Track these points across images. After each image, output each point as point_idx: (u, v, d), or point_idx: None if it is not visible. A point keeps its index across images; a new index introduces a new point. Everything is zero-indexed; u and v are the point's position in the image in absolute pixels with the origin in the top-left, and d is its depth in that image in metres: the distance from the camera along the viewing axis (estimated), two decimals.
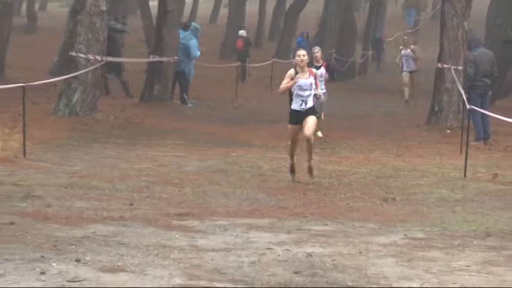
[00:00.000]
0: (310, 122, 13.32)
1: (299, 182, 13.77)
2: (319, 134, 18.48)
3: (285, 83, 13.44)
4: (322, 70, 18.54)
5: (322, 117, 18.61)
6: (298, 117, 13.41)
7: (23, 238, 9.33)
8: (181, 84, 25.06)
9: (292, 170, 13.71)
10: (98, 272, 8.11)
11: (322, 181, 13.29)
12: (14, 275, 7.86)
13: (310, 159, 13.64)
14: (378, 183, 14.08)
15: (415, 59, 28.04)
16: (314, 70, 13.80)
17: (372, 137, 19.89)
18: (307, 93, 13.35)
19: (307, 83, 13.34)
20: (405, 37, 31.46)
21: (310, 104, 13.43)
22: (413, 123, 22.44)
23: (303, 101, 13.36)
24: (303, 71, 13.41)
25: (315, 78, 13.55)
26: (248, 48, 35.18)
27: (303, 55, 13.39)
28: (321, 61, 19.01)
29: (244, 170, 14.89)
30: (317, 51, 19.20)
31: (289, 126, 13.63)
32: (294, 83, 13.25)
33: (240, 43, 35.69)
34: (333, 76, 17.02)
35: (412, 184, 13.92)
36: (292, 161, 13.71)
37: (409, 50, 28.10)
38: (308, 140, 13.38)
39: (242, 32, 36.72)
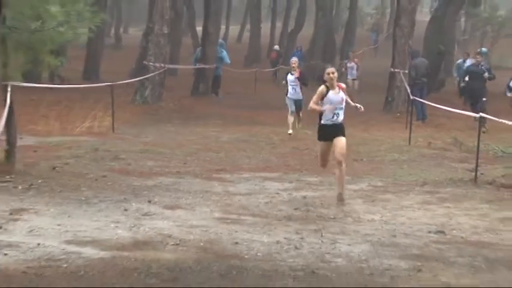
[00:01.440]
0: (341, 143, 9.09)
1: (298, 148, 13.72)
2: (290, 131, 15.18)
3: (314, 102, 9.16)
4: (296, 76, 15.70)
5: (301, 114, 15.76)
6: (328, 132, 9.14)
7: (112, 186, 9.35)
8: (217, 83, 24.98)
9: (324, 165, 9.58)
10: (163, 209, 8.13)
11: (313, 148, 13.21)
12: (106, 211, 7.88)
13: (342, 190, 9.00)
14: (351, 149, 13.92)
15: (357, 69, 27.09)
16: (343, 85, 9.41)
17: (345, 118, 19.73)
18: (339, 107, 9.19)
19: (339, 98, 9.13)
20: (350, 52, 30.57)
21: (341, 117, 9.23)
22: (374, 109, 22.19)
23: (335, 113, 9.13)
24: (333, 87, 9.14)
25: (344, 92, 9.32)
26: (279, 59, 34.60)
27: (332, 72, 9.13)
28: (296, 69, 15.87)
29: (260, 140, 14.85)
30: (294, 61, 16.19)
31: (320, 143, 9.31)
32: (322, 109, 9.13)
33: (274, 54, 35.22)
34: (305, 83, 15.29)
35: (374, 149, 13.85)
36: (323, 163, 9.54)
37: (353, 63, 27.17)
38: (340, 164, 8.99)
39: (276, 47, 36.34)
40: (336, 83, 9.16)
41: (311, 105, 9.20)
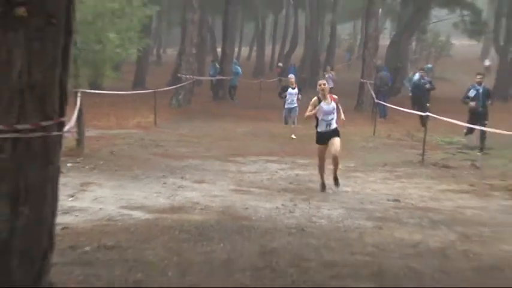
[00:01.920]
0: (336, 142, 7.98)
1: (292, 139, 13.66)
2: (293, 136, 13.84)
3: (309, 110, 8.07)
4: (296, 90, 15.01)
5: (296, 123, 14.62)
6: (324, 137, 8.04)
7: (154, 166, 9.37)
8: (233, 91, 24.91)
9: (323, 187, 8.04)
10: (192, 183, 8.13)
11: (303, 139, 13.18)
12: (150, 184, 7.91)
13: (335, 171, 8.10)
14: None
15: (333, 80, 26.51)
16: (335, 96, 8.22)
17: None
18: (330, 117, 8.02)
19: (330, 108, 8.02)
20: (328, 66, 29.98)
21: (333, 126, 8.07)
22: (347, 110, 21.95)
23: (327, 124, 8.02)
24: (325, 98, 8.03)
25: (337, 104, 8.15)
26: (282, 73, 34.03)
27: (323, 84, 8.15)
28: (294, 84, 15.16)
29: (264, 133, 14.82)
30: (292, 77, 15.60)
31: (318, 146, 8.14)
32: (315, 113, 8.02)
33: (278, 69, 34.94)
34: (300, 93, 15.03)
35: (348, 139, 13.71)
36: (322, 180, 8.10)
37: (331, 74, 26.64)
38: (335, 157, 7.94)
39: (280, 64, 36.11)
40: (327, 94, 8.07)
41: (306, 114, 8.15)
